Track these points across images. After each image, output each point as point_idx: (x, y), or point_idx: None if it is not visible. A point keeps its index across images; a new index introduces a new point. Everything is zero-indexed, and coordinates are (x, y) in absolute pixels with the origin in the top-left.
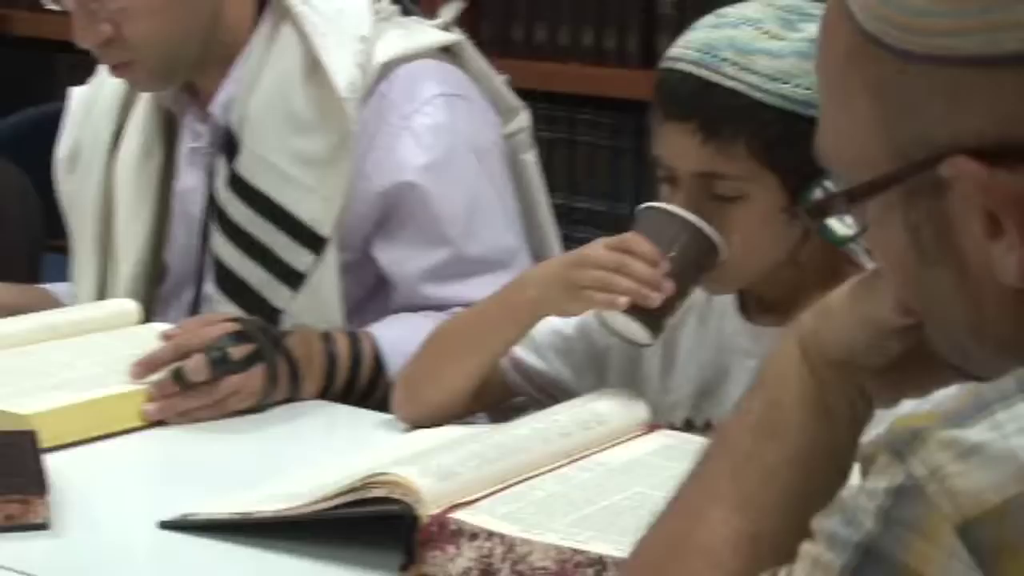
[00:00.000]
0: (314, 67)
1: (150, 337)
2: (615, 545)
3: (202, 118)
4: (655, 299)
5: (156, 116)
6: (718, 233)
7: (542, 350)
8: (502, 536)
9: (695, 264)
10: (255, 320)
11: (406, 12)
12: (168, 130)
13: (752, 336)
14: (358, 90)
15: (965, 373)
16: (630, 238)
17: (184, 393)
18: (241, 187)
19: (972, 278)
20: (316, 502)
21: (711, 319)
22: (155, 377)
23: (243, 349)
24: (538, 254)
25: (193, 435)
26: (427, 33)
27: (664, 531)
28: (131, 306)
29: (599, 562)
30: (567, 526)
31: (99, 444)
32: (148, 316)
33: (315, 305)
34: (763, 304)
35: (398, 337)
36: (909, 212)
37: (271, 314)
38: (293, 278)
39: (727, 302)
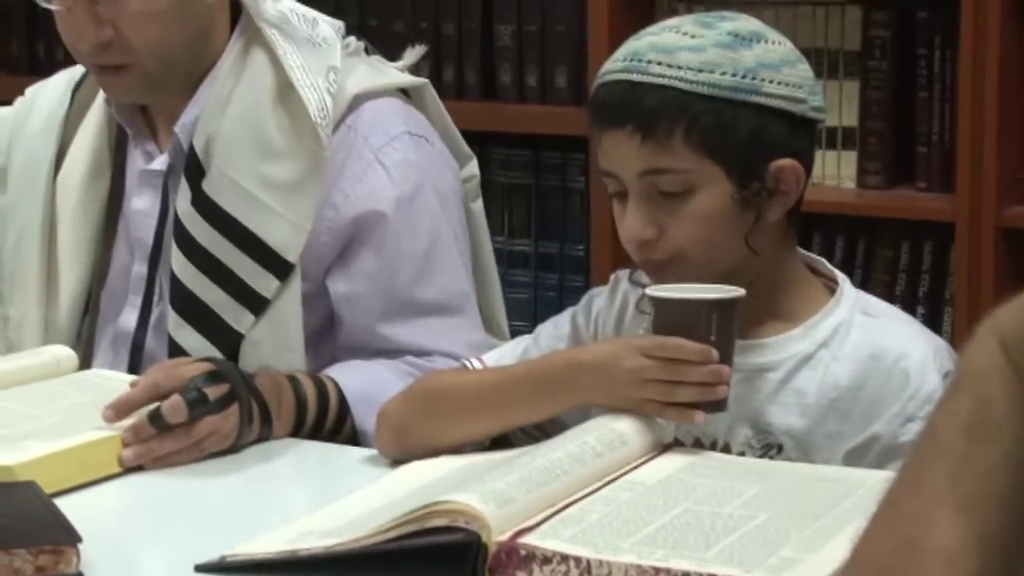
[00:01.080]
0: (285, 92)
1: (99, 382)
2: (695, 562)
3: (159, 139)
4: (723, 391)
5: (107, 137)
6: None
7: None
8: (577, 559)
9: (732, 328)
10: (227, 361)
11: (367, 52)
12: (117, 151)
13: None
14: (329, 117)
15: None
16: (672, 344)
17: (161, 436)
18: (208, 208)
19: None
20: (370, 535)
21: None
22: (129, 421)
23: (219, 389)
24: (483, 302)
25: (175, 479)
26: (392, 73)
27: (890, 537)
28: (67, 352)
29: None
30: (635, 545)
31: (79, 493)
32: (80, 336)
33: (277, 332)
34: None
35: (360, 382)
36: None
37: (232, 338)
38: (256, 303)
39: None
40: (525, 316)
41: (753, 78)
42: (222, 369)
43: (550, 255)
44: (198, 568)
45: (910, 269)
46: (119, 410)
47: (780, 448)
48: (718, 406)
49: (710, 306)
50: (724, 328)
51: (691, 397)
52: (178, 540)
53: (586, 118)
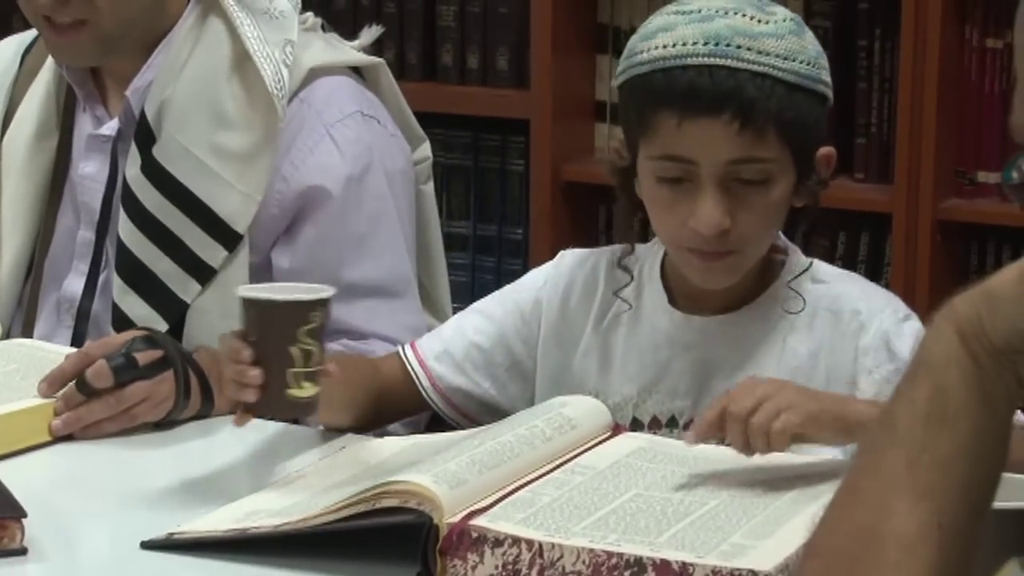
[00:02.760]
0: (240, 63)
1: (25, 352)
2: (647, 547)
3: (108, 104)
4: (249, 395)
5: (56, 100)
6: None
7: (461, 366)
8: (529, 542)
9: (274, 331)
10: (163, 333)
11: (323, 29)
12: (65, 116)
13: (694, 328)
14: (285, 89)
15: None
16: (220, 340)
17: (89, 403)
18: (158, 174)
19: None
20: (321, 515)
21: (643, 319)
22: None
23: (150, 354)
24: (429, 284)
25: (116, 452)
26: (348, 51)
27: (849, 524)
28: None
29: (637, 564)
30: (587, 529)
31: (12, 464)
32: (21, 302)
33: (223, 302)
34: (686, 296)
35: None
36: None
37: (177, 307)
38: (203, 272)
39: (656, 299)
40: (463, 298)
41: (817, 67)
42: (156, 336)
43: (488, 238)
44: (144, 545)
45: (847, 259)
46: (53, 383)
47: None
48: (301, 409)
49: (246, 304)
50: (262, 329)
51: (233, 395)
52: (121, 515)
53: (528, 99)
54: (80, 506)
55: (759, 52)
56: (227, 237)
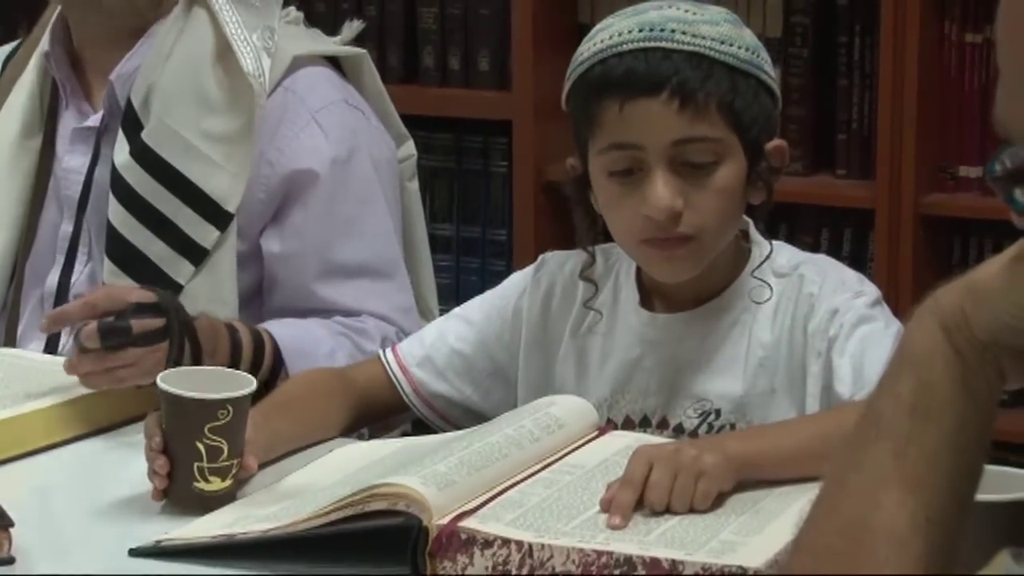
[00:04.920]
0: (224, 52)
1: (10, 361)
2: (636, 545)
3: (93, 101)
4: (157, 481)
5: (40, 100)
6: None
7: (443, 372)
8: (519, 542)
9: (190, 425)
10: (172, 296)
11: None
12: (49, 118)
13: (659, 326)
14: (264, 73)
15: None
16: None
17: (80, 354)
18: (149, 158)
19: None
20: (309, 519)
21: (618, 320)
22: (46, 403)
23: (148, 323)
24: (415, 284)
25: (102, 457)
26: (331, 44)
27: (837, 519)
28: None
29: (627, 562)
30: (576, 529)
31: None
32: (5, 304)
33: (212, 285)
34: (661, 295)
35: (294, 336)
36: None
37: (170, 290)
38: (196, 253)
39: (630, 299)
40: (447, 300)
41: (757, 57)
42: (163, 303)
43: (472, 239)
44: (132, 552)
45: (829, 255)
46: (55, 320)
47: (718, 413)
48: (209, 503)
49: (159, 394)
50: (169, 420)
51: (148, 477)
52: (109, 523)
53: (510, 101)
54: (68, 514)
55: (694, 36)
56: (218, 217)
